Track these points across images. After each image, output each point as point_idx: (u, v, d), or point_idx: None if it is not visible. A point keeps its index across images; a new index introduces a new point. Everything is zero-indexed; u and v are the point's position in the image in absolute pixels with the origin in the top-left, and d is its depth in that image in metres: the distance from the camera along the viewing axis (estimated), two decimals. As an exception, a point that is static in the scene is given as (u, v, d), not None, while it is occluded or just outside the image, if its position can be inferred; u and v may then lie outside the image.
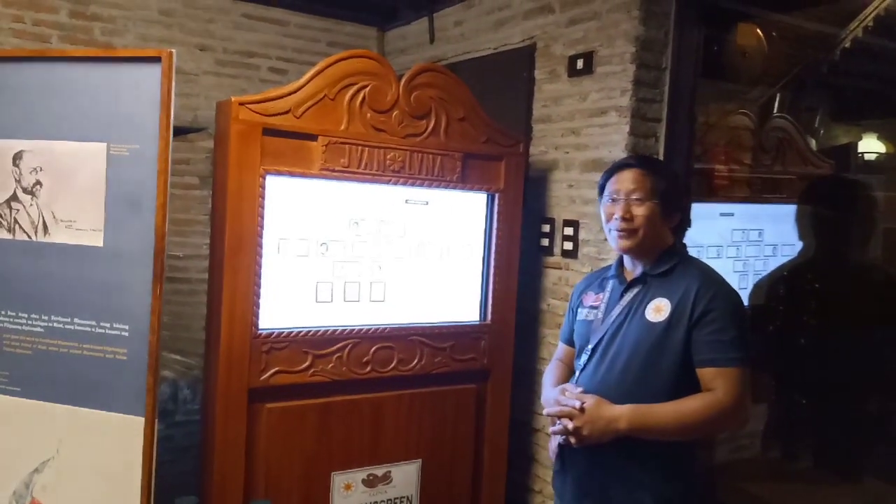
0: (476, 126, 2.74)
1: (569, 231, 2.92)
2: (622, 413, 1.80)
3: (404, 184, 2.59)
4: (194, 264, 3.72)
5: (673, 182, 2.00)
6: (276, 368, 2.41)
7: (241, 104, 2.28)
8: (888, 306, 2.60)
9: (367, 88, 2.48)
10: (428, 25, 3.80)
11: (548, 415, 1.94)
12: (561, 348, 2.21)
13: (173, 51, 2.21)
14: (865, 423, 2.72)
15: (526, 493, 3.07)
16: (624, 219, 1.92)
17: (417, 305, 2.71)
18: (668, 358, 1.83)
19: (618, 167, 2.00)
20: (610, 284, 2.04)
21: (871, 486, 2.77)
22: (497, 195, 2.80)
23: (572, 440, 1.86)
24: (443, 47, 3.74)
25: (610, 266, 2.12)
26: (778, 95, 3.67)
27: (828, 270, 2.83)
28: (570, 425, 1.84)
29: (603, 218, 2.01)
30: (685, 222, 2.73)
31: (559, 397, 1.92)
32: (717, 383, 1.78)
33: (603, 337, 1.94)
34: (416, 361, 2.68)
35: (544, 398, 2.07)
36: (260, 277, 2.36)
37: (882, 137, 4.15)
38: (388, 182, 2.56)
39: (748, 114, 3.23)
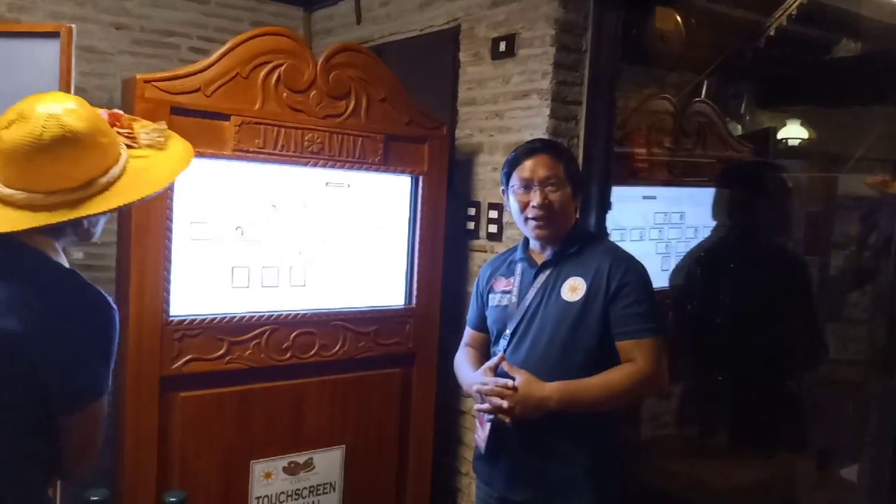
0: (398, 107, 2.70)
1: (493, 214, 2.91)
2: (553, 391, 1.80)
3: (324, 166, 2.54)
4: (113, 252, 3.57)
5: (577, 163, 2.01)
6: (190, 356, 2.34)
7: (147, 82, 2.19)
8: (796, 286, 2.68)
9: (283, 67, 2.41)
10: (354, 6, 3.73)
11: (477, 392, 1.88)
12: (469, 334, 2.18)
13: (73, 26, 2.12)
14: (778, 399, 2.81)
15: (453, 475, 3.08)
16: (542, 206, 1.90)
17: (340, 290, 2.67)
18: (587, 334, 1.86)
19: (524, 154, 1.96)
20: (519, 268, 2.03)
21: (784, 460, 2.87)
22: (421, 178, 2.78)
23: (506, 419, 1.82)
24: (369, 28, 3.68)
25: (515, 248, 2.11)
26: (705, 81, 3.74)
27: (742, 251, 2.91)
28: (505, 404, 1.80)
29: (515, 207, 1.97)
30: (606, 204, 2.79)
31: (486, 378, 1.88)
32: (637, 353, 1.83)
33: (521, 321, 1.95)
34: (338, 347, 2.64)
35: (466, 382, 2.03)
36: (170, 262, 2.27)
37: (805, 123, 4.28)
38: (306, 164, 2.50)
39: (669, 98, 3.28)
